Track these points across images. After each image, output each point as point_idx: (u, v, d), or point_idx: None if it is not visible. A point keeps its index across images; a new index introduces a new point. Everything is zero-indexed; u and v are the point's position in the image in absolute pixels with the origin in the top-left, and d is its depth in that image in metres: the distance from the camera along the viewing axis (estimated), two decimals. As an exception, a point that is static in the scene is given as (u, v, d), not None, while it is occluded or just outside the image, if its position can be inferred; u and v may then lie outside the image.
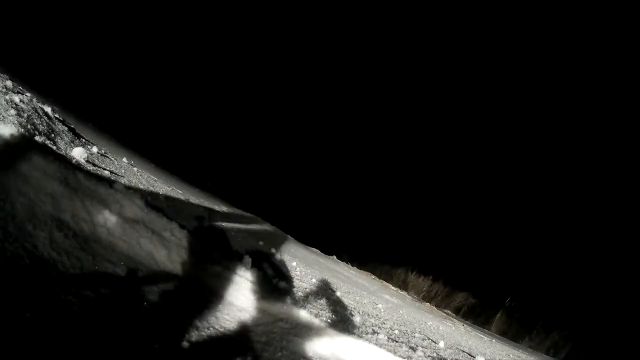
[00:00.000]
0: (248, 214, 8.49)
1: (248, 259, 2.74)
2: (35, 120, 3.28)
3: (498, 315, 11.28)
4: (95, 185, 2.39)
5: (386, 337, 2.68)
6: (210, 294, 2.30)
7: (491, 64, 18.34)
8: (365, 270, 10.87)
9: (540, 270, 15.03)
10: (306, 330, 2.28)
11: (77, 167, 2.67)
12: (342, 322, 2.63)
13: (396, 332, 3.12)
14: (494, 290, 12.45)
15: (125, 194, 2.48)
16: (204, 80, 17.87)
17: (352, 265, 10.43)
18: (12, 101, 3.18)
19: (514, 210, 18.34)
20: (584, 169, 16.27)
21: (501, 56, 18.06)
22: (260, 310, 2.34)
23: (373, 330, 2.75)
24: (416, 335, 3.40)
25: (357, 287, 5.61)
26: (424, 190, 19.84)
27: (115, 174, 3.66)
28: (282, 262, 4.10)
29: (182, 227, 2.60)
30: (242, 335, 2.05)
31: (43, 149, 2.39)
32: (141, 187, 3.89)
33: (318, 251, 9.84)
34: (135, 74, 15.26)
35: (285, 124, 19.72)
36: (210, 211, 5.14)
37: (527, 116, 17.72)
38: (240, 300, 2.37)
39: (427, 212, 19.59)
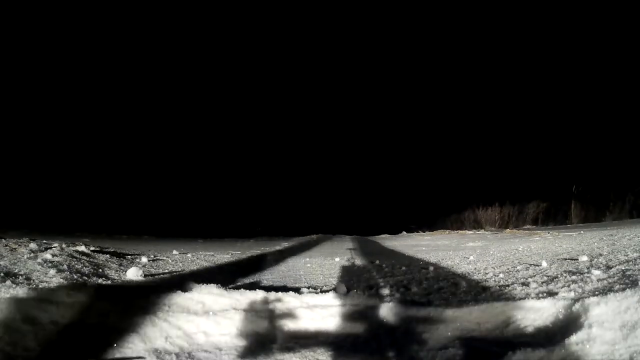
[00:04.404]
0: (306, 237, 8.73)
1: (342, 287, 2.86)
2: (76, 265, 3.30)
3: (572, 206, 11.06)
4: (168, 297, 2.44)
5: (497, 287, 2.79)
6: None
7: None
8: (437, 230, 10.90)
9: (590, 146, 14.61)
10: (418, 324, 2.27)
11: (141, 288, 2.83)
12: (452, 295, 2.75)
13: (501, 275, 3.21)
14: (557, 185, 12.21)
15: (199, 290, 2.49)
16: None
17: (424, 232, 10.49)
18: (46, 261, 3.21)
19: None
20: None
21: None
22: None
23: (482, 287, 2.86)
24: (518, 267, 3.47)
25: (440, 250, 5.70)
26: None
27: (176, 271, 3.86)
28: (369, 270, 4.23)
29: (266, 291, 2.56)
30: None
31: (102, 294, 2.41)
32: (205, 270, 4.10)
33: (387, 235, 9.94)
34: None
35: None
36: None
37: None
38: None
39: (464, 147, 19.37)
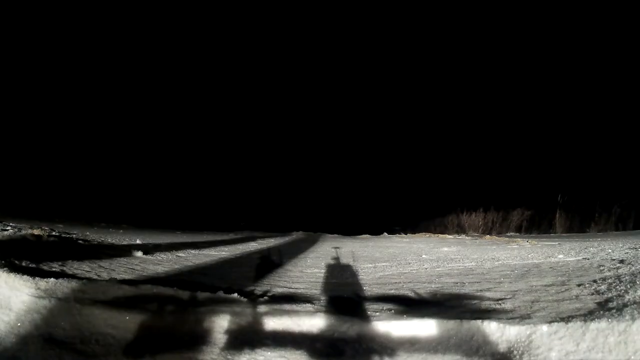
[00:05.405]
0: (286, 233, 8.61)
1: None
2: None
3: (557, 215, 10.97)
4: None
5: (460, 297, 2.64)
6: None
7: None
8: (419, 232, 10.79)
9: (577, 156, 14.60)
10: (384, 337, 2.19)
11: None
12: (415, 304, 2.60)
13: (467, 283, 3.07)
14: (543, 194, 12.14)
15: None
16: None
17: (406, 234, 10.37)
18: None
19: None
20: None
21: None
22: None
23: (449, 295, 2.71)
24: (489, 276, 3.33)
25: (414, 254, 5.56)
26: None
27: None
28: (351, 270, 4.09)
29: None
30: None
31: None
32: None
33: (367, 235, 9.80)
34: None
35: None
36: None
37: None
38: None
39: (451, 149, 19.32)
